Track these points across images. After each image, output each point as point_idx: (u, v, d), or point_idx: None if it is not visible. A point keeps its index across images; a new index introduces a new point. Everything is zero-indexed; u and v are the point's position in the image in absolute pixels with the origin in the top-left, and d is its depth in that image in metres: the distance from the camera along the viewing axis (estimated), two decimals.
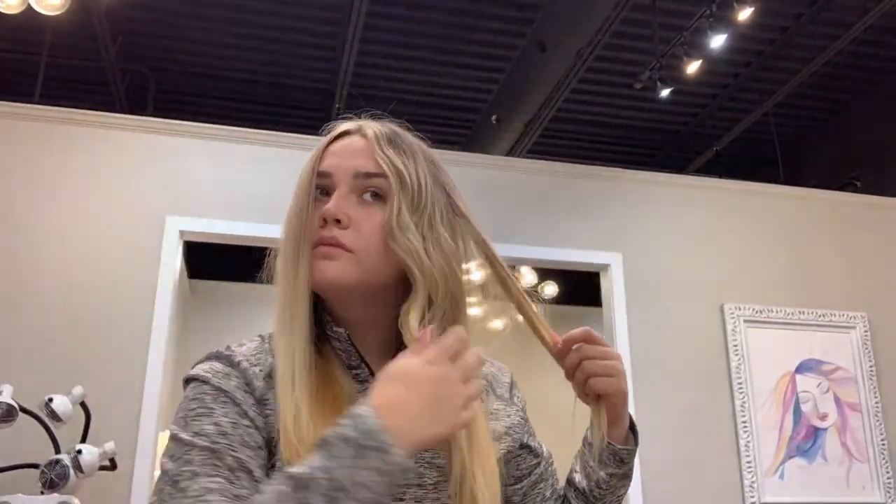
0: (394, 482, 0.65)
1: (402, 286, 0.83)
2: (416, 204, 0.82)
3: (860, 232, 3.96)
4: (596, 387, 0.90)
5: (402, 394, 0.68)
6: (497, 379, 0.98)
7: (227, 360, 0.83)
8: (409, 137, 0.88)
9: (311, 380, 0.79)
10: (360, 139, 0.86)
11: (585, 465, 0.97)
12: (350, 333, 0.84)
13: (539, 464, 0.99)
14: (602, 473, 0.95)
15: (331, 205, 0.82)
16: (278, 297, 0.83)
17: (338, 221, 0.81)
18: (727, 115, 5.45)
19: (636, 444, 0.96)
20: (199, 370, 0.82)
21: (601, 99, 5.30)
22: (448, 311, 0.83)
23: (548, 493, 1.00)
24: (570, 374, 0.92)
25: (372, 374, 0.85)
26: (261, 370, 0.82)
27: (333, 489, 0.62)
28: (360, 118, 0.92)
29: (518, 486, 0.97)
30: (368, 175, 0.83)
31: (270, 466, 0.77)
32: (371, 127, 0.87)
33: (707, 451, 3.37)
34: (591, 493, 0.97)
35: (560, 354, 0.92)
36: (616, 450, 0.94)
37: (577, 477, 0.98)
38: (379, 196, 0.83)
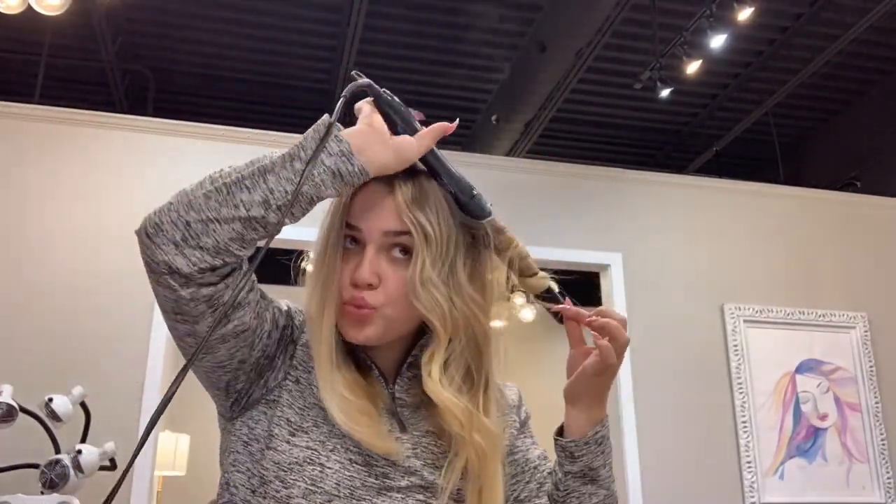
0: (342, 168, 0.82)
1: (419, 329, 0.92)
2: (440, 254, 0.86)
3: (860, 232, 3.96)
4: (608, 355, 0.89)
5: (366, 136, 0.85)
6: (503, 395, 1.01)
7: (298, 315, 0.95)
8: (432, 188, 0.90)
9: (344, 370, 0.88)
10: (386, 191, 0.88)
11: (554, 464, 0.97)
12: (367, 351, 0.92)
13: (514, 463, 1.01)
14: (559, 473, 0.94)
15: (364, 270, 0.85)
16: (309, 332, 0.90)
17: (369, 285, 0.86)
18: (727, 115, 5.45)
19: (597, 442, 0.92)
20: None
21: (601, 99, 5.30)
22: (470, 353, 0.89)
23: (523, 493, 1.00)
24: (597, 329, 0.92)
25: (382, 375, 0.92)
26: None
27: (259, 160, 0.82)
28: None
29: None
30: (396, 233, 0.87)
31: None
32: (396, 176, 0.88)
33: (707, 451, 3.37)
34: (552, 495, 0.95)
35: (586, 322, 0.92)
36: (563, 444, 0.92)
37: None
38: (406, 250, 0.87)
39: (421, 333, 0.92)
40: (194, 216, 0.77)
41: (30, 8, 3.27)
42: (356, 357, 0.92)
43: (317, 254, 0.90)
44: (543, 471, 1.00)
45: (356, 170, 0.81)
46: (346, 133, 0.82)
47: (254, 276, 0.85)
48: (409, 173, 0.89)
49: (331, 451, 0.85)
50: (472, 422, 0.87)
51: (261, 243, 0.82)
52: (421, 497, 0.87)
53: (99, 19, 4.32)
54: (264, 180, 0.79)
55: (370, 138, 0.83)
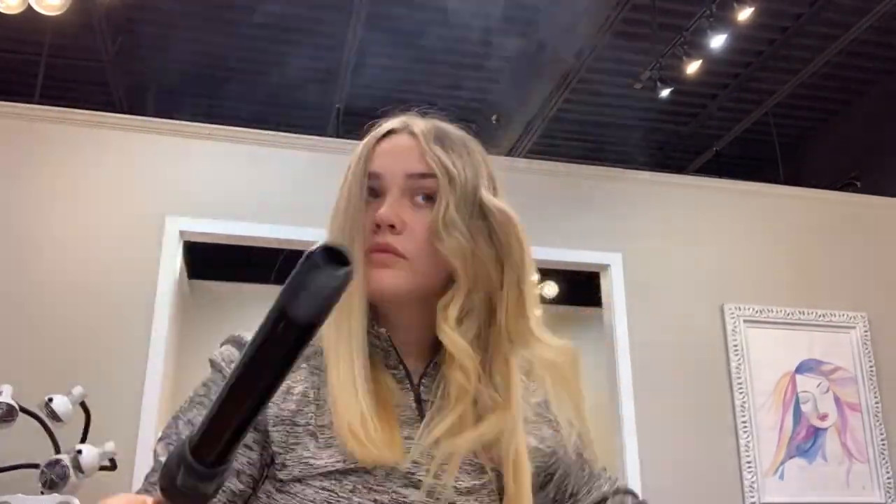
0: None
1: (444, 287, 0.83)
2: (463, 200, 0.82)
3: (860, 232, 3.96)
4: None
5: None
6: (529, 390, 0.93)
7: (236, 342, 0.84)
8: (455, 132, 0.88)
9: (371, 387, 0.79)
10: (409, 138, 0.85)
11: None
12: (391, 335, 0.84)
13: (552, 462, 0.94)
14: None
15: (385, 210, 0.80)
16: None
17: (392, 227, 0.81)
18: (727, 115, 5.45)
19: None
20: (216, 354, 0.84)
21: (601, 99, 5.30)
22: (485, 308, 0.82)
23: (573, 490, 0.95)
24: None
25: (408, 374, 0.85)
26: None
27: None
28: (405, 115, 0.91)
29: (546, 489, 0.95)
30: (421, 176, 0.83)
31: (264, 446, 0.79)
32: (417, 124, 0.86)
33: (707, 451, 3.37)
34: None
35: None
36: None
37: None
38: (430, 197, 0.83)
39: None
40: None
41: (30, 8, 3.28)
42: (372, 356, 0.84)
43: (336, 209, 0.85)
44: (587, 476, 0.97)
45: None
46: None
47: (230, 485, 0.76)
48: (428, 119, 0.87)
49: (350, 491, 0.76)
50: (478, 376, 0.80)
51: None
52: None
53: (99, 19, 4.32)
54: None
55: None
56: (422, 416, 0.82)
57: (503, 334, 0.82)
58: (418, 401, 0.83)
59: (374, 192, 0.84)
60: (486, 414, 0.81)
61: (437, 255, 0.81)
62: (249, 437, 0.77)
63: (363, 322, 0.81)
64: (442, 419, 0.79)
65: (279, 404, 0.79)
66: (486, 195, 0.84)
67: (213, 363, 0.83)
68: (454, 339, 0.80)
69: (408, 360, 0.85)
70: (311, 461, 0.76)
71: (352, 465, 0.76)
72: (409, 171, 0.83)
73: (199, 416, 0.77)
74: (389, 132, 0.87)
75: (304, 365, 0.82)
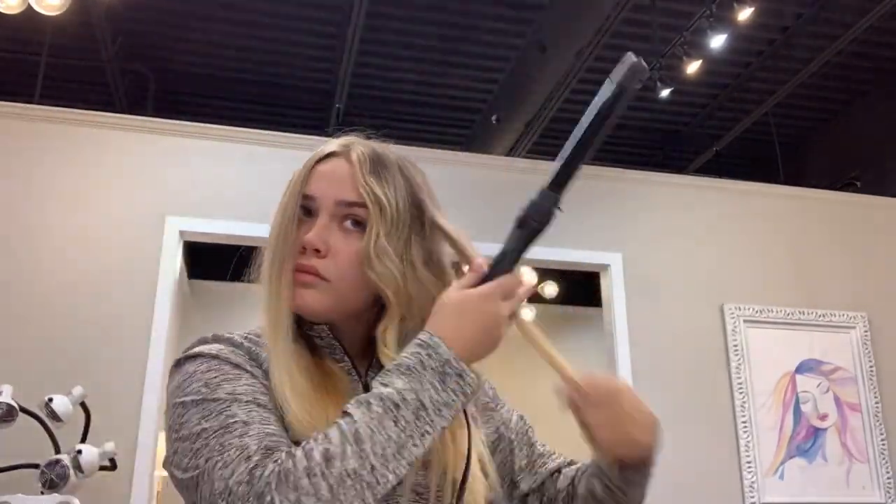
0: (468, 401, 0.77)
1: (376, 303, 0.89)
2: (394, 229, 0.86)
3: (860, 232, 3.96)
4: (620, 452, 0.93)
5: (459, 325, 0.79)
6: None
7: (227, 341, 0.86)
8: (392, 158, 0.90)
9: (303, 369, 0.84)
10: (345, 164, 0.88)
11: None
12: (332, 329, 0.89)
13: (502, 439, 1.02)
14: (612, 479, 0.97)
15: (312, 234, 0.85)
16: (262, 306, 0.87)
17: (317, 251, 0.85)
18: (727, 115, 5.45)
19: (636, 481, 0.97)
20: (203, 349, 0.84)
21: None
22: (420, 326, 0.85)
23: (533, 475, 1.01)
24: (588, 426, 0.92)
25: (354, 366, 0.89)
26: (261, 349, 0.86)
27: (420, 408, 0.73)
28: (351, 135, 0.94)
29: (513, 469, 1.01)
30: (349, 204, 0.86)
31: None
32: (356, 150, 0.89)
33: (707, 451, 3.37)
34: (603, 489, 0.97)
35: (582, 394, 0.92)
36: (629, 475, 0.96)
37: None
38: (359, 223, 0.86)
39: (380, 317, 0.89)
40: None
41: (30, 8, 3.28)
42: (318, 350, 0.89)
43: (273, 226, 0.89)
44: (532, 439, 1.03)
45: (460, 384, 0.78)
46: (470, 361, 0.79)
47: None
48: (368, 144, 0.90)
49: None
50: None
51: None
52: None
53: (99, 19, 4.33)
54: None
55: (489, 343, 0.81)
56: None
57: None
58: (366, 388, 0.86)
59: (308, 211, 0.88)
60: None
61: (362, 281, 0.86)
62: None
63: (289, 328, 0.85)
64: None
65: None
66: (429, 214, 0.89)
67: (203, 354, 0.83)
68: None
69: (354, 357, 0.90)
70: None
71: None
72: (339, 199, 0.87)
73: (240, 387, 0.79)
74: (329, 154, 0.90)
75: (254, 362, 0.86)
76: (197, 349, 0.84)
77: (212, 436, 0.74)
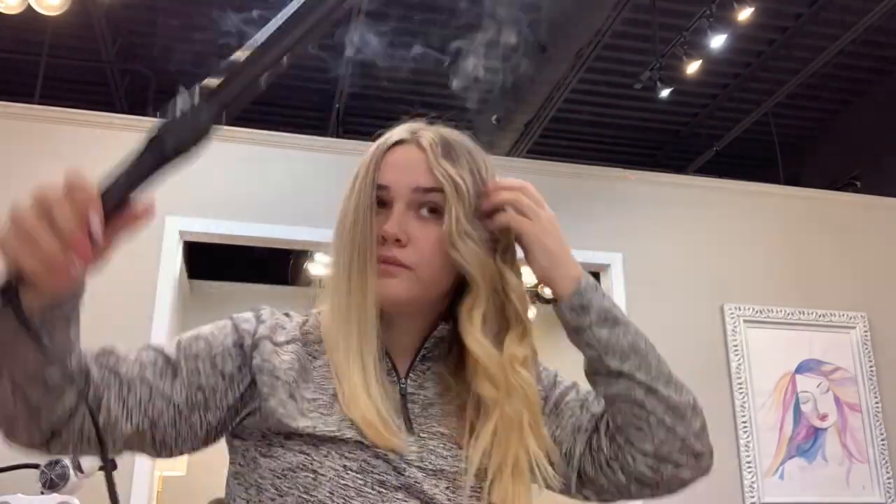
0: None
1: (451, 292, 0.89)
2: (470, 210, 0.86)
3: (860, 232, 3.96)
4: (510, 219, 0.87)
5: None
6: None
7: (272, 316, 0.90)
8: (460, 142, 0.90)
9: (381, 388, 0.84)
10: (416, 150, 0.88)
11: None
12: (382, 332, 0.87)
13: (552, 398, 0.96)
14: (584, 339, 0.88)
15: (391, 224, 0.84)
16: (333, 307, 0.86)
17: (397, 241, 0.84)
18: (727, 115, 5.45)
19: (594, 288, 0.88)
20: (245, 315, 0.90)
21: (601, 99, 5.30)
22: (500, 306, 0.87)
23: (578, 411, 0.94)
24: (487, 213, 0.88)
25: (395, 368, 0.89)
26: (290, 328, 0.88)
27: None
28: (417, 121, 0.93)
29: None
30: (427, 190, 0.86)
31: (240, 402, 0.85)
32: (425, 135, 0.89)
33: None
34: (592, 370, 0.90)
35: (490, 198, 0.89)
36: (570, 303, 0.87)
37: None
38: (435, 210, 0.86)
39: (437, 320, 0.90)
40: None
41: (30, 8, 3.28)
42: None
43: (342, 221, 0.87)
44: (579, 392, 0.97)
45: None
46: None
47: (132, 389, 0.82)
48: (434, 129, 0.90)
49: (324, 456, 0.80)
50: (507, 379, 0.84)
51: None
52: None
53: (99, 19, 4.33)
54: None
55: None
56: (405, 409, 0.87)
57: (513, 333, 0.87)
58: (402, 394, 0.88)
59: (382, 201, 0.87)
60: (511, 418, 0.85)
61: (444, 266, 0.85)
62: (229, 370, 0.84)
63: (375, 326, 0.84)
64: (483, 430, 0.85)
65: (267, 357, 0.84)
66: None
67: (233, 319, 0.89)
68: (482, 343, 0.84)
69: (395, 356, 0.89)
70: (285, 419, 0.81)
71: (328, 434, 0.80)
72: (416, 185, 0.86)
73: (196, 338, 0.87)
74: (397, 142, 0.89)
75: (299, 342, 0.87)
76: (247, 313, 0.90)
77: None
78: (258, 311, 0.90)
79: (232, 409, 0.84)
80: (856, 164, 5.36)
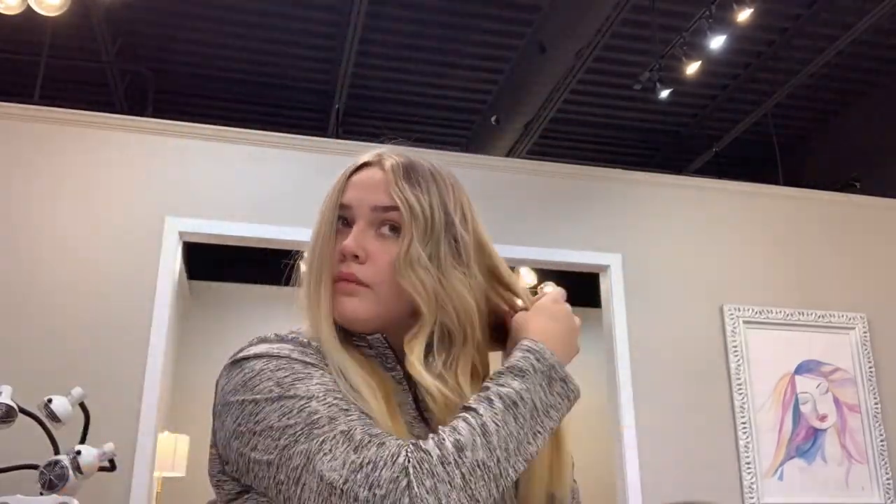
0: (571, 406, 0.82)
1: (417, 311, 0.87)
2: (427, 236, 0.86)
3: (860, 232, 3.96)
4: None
5: (555, 331, 0.86)
6: None
7: (293, 341, 0.84)
8: (426, 167, 0.91)
9: (381, 391, 0.83)
10: (379, 172, 0.90)
11: None
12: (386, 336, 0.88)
13: None
14: None
15: (349, 241, 0.86)
16: (304, 314, 0.88)
17: (356, 257, 0.86)
18: (727, 116, 5.45)
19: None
20: (267, 348, 0.81)
21: (601, 100, 5.30)
22: (456, 338, 0.87)
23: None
24: None
25: (406, 375, 0.87)
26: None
27: (534, 409, 0.77)
28: (385, 146, 0.95)
29: None
30: (385, 209, 0.87)
31: None
32: (389, 159, 0.90)
33: (707, 452, 3.37)
34: None
35: None
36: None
37: None
38: (395, 229, 0.87)
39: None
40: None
41: (30, 8, 3.28)
42: (367, 361, 0.88)
43: (312, 238, 0.90)
44: None
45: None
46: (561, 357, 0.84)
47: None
48: (402, 153, 0.91)
49: None
50: (452, 408, 0.82)
51: None
52: None
53: (99, 19, 4.33)
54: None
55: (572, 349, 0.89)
56: (421, 414, 0.87)
57: (474, 357, 0.88)
58: (416, 399, 0.87)
59: (346, 221, 0.89)
60: None
61: (401, 286, 0.85)
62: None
63: (334, 337, 0.84)
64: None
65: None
66: (458, 227, 0.89)
67: (270, 354, 0.80)
68: (423, 375, 0.83)
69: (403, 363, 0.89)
70: None
71: None
72: (374, 204, 0.87)
73: (314, 386, 0.76)
74: (364, 165, 0.92)
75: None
76: (260, 349, 0.81)
77: (300, 432, 0.72)
78: (280, 340, 0.86)
79: None
80: (856, 164, 5.36)
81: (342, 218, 0.89)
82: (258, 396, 0.75)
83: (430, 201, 0.88)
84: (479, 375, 0.89)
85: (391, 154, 0.92)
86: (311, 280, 0.87)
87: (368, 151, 0.94)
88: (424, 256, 0.85)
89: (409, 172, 0.89)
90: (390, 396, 0.83)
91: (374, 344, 0.88)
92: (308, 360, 0.80)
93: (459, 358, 0.86)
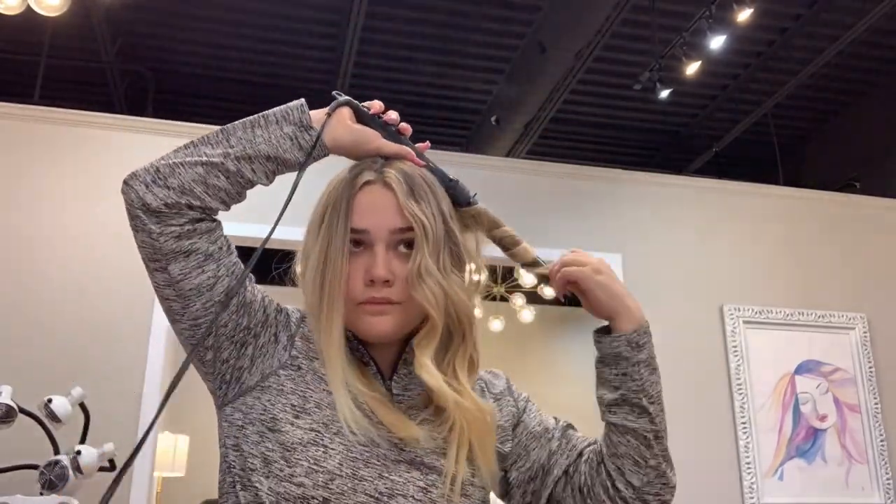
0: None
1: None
2: (434, 248, 0.91)
3: (860, 232, 3.96)
4: (564, 274, 0.99)
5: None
6: (491, 383, 1.06)
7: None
8: (419, 177, 0.95)
9: (353, 368, 0.93)
10: (385, 191, 0.94)
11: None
12: (367, 348, 0.96)
13: (545, 438, 1.02)
14: (628, 375, 1.00)
15: (380, 269, 0.90)
16: (312, 323, 0.95)
17: (386, 282, 0.90)
18: (727, 116, 5.45)
19: (649, 333, 1.02)
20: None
21: (601, 100, 5.30)
22: (456, 337, 0.94)
23: (563, 461, 1.00)
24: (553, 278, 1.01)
25: (379, 371, 0.95)
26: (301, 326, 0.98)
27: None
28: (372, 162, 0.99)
29: (529, 465, 1.01)
30: (403, 230, 0.92)
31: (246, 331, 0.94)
32: (389, 174, 0.94)
33: (707, 452, 3.37)
34: (624, 400, 1.00)
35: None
36: (629, 337, 1.01)
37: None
38: (410, 245, 0.92)
39: (414, 331, 0.96)
40: (163, 163, 0.90)
41: (29, 8, 3.27)
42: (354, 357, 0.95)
43: (317, 260, 0.94)
44: (570, 435, 1.03)
45: (310, 137, 0.96)
46: (312, 112, 0.98)
47: (247, 273, 0.98)
48: (396, 166, 0.95)
49: (335, 434, 0.88)
50: (462, 398, 0.91)
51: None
52: (422, 481, 0.89)
53: (99, 19, 4.33)
54: (227, 139, 0.95)
55: (333, 120, 0.99)
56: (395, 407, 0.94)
57: (468, 358, 0.95)
58: (390, 394, 0.95)
59: (358, 243, 0.93)
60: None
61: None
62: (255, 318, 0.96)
63: (343, 350, 0.92)
64: (456, 452, 0.92)
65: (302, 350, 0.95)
66: (456, 233, 0.95)
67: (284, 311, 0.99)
68: (433, 375, 0.90)
69: (378, 358, 0.96)
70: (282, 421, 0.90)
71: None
72: (392, 227, 0.92)
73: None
74: (366, 183, 0.95)
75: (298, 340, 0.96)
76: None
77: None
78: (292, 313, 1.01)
79: (240, 328, 0.93)
80: (856, 164, 5.36)
81: (354, 241, 0.93)
82: None
83: (433, 213, 0.93)
84: (475, 366, 0.97)
85: (388, 169, 0.95)
86: (323, 300, 0.92)
87: (361, 166, 0.98)
88: (434, 268, 0.90)
89: (411, 188, 0.93)
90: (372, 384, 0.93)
91: (359, 349, 0.95)
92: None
93: (458, 354, 0.94)
